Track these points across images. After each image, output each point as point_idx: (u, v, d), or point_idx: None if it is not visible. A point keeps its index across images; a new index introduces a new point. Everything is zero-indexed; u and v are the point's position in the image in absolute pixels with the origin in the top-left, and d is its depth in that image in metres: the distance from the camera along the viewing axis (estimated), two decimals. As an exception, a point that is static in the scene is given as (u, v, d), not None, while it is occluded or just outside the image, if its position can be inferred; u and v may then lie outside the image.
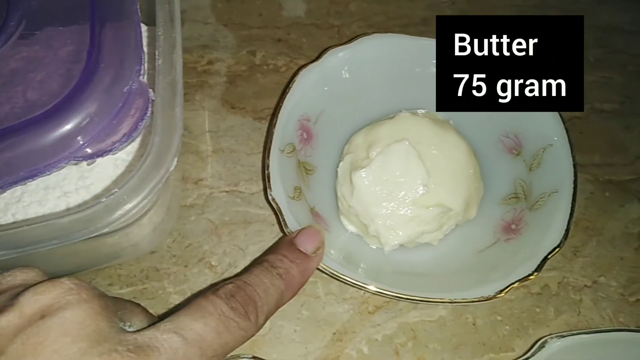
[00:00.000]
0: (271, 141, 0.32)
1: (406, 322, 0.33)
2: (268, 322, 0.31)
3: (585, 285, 0.34)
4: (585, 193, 0.37)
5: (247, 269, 0.24)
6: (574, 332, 0.28)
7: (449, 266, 0.32)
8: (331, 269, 0.28)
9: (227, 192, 0.37)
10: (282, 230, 0.30)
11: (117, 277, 0.34)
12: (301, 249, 0.27)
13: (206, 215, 0.36)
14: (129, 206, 0.22)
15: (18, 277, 0.20)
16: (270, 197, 0.30)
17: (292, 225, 0.30)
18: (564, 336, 0.27)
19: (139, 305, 0.24)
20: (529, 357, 0.27)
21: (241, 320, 0.21)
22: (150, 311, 0.31)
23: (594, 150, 0.39)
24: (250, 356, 0.29)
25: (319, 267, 0.28)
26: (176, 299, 0.33)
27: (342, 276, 0.29)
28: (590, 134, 0.39)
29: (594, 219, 0.36)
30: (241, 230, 0.35)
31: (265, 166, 0.31)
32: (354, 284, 0.29)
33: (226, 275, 0.34)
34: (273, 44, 0.42)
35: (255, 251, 0.35)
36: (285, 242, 0.27)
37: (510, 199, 0.34)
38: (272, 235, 0.35)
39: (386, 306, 0.33)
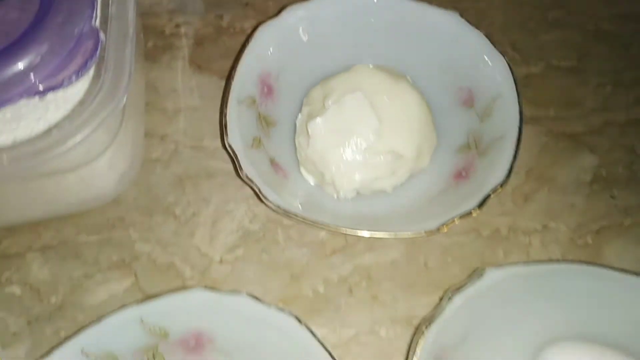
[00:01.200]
0: (229, 92, 0.33)
1: (361, 264, 0.34)
2: (229, 265, 0.32)
3: (535, 230, 0.35)
4: (539, 144, 0.38)
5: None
6: (513, 263, 0.29)
7: (402, 211, 0.33)
8: (291, 212, 0.30)
9: (191, 147, 0.38)
10: (238, 176, 0.32)
11: (84, 226, 0.35)
12: None
13: (171, 168, 0.37)
14: (78, 138, 0.24)
15: None
16: (226, 144, 0.32)
17: (248, 170, 0.31)
18: (502, 266, 0.29)
19: None
20: (467, 286, 0.28)
21: None
22: (116, 258, 0.32)
23: (550, 104, 0.40)
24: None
25: (280, 212, 0.30)
26: (141, 247, 0.35)
27: (299, 216, 0.30)
28: (546, 89, 0.40)
29: (546, 169, 0.37)
30: (205, 183, 0.37)
31: (222, 114, 0.32)
32: (311, 222, 0.30)
33: (190, 224, 0.35)
34: (240, 8, 0.43)
35: (218, 202, 0.36)
36: None
37: (462, 148, 0.36)
38: (235, 186, 0.36)
39: (342, 250, 0.35)
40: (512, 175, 0.35)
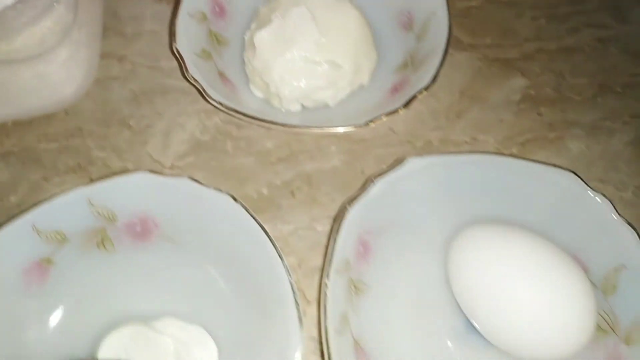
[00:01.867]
0: (180, 3, 0.35)
1: (303, 171, 0.37)
2: (179, 170, 0.35)
3: (465, 142, 0.38)
4: (474, 69, 0.41)
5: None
6: (433, 153, 0.32)
7: (341, 121, 0.36)
8: (233, 108, 0.32)
9: (148, 67, 0.40)
10: (184, 76, 0.34)
11: (44, 135, 0.38)
12: None
13: (128, 86, 0.39)
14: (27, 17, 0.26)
15: None
16: (174, 48, 0.34)
17: (194, 72, 0.33)
18: (423, 156, 0.31)
19: None
20: (390, 172, 0.31)
21: None
22: (73, 163, 0.35)
23: (486, 34, 0.42)
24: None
25: (222, 109, 0.32)
26: (97, 153, 0.37)
27: (242, 114, 0.32)
28: (484, 20, 0.43)
29: (479, 90, 0.40)
30: (159, 99, 0.39)
31: (172, 23, 0.35)
32: (253, 118, 0.32)
33: (143, 134, 0.38)
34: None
35: (171, 115, 0.38)
36: None
37: (400, 67, 0.38)
38: (187, 102, 0.39)
39: (287, 159, 0.37)
40: (447, 94, 0.38)
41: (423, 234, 0.33)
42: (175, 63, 0.40)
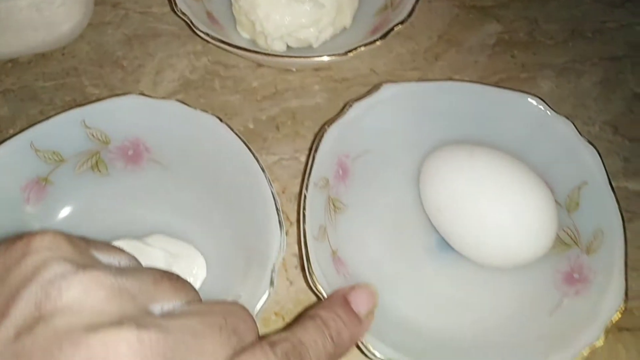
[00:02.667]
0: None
1: (288, 107, 0.39)
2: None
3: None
4: (452, 15, 0.43)
5: (298, 320, 0.22)
6: (407, 80, 0.34)
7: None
8: (222, 39, 0.34)
9: (140, 12, 0.42)
10: (174, 11, 0.36)
11: (41, 74, 0.40)
12: (355, 310, 0.24)
13: (121, 30, 0.41)
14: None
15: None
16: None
17: (183, 7, 0.35)
18: (398, 82, 0.33)
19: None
20: (366, 96, 0.33)
21: None
22: (69, 99, 0.37)
23: (464, -16, 0.44)
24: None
25: (210, 40, 0.34)
26: (91, 90, 0.39)
27: (230, 44, 0.34)
28: (462, -28, 0.45)
29: (456, 34, 0.42)
30: (151, 41, 0.41)
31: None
32: (243, 49, 0.34)
33: (136, 74, 0.40)
34: None
35: (162, 56, 0.40)
36: (340, 299, 0.24)
37: (381, 9, 0.40)
38: (178, 45, 0.41)
39: (272, 96, 0.39)
40: (425, 38, 0.40)
41: (398, 158, 0.35)
42: (166, 9, 0.42)
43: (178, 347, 0.15)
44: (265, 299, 0.26)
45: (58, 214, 0.33)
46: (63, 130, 0.31)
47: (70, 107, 0.36)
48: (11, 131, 0.37)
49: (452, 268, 0.33)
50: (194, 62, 0.40)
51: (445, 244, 0.33)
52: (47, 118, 0.31)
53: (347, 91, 0.39)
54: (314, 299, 0.32)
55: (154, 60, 0.40)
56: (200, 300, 0.20)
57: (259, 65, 0.40)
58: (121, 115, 0.32)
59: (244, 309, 0.19)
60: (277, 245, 0.27)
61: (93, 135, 0.32)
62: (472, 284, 0.32)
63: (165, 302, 0.17)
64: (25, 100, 0.39)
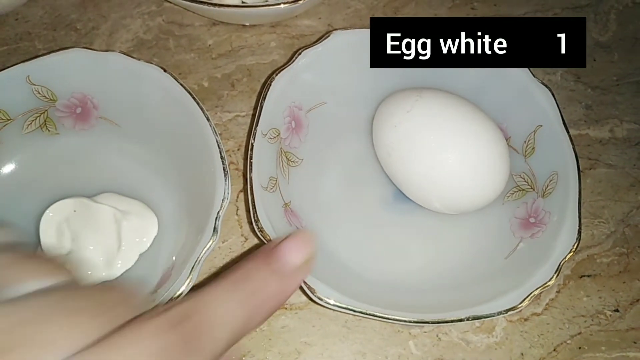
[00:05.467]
0: None
1: (243, 64, 0.38)
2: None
3: (401, 34, 0.39)
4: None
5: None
6: (358, 28, 0.33)
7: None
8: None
9: (95, -25, 0.41)
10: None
11: (-6, 39, 0.39)
12: (286, 259, 0.19)
13: (75, -8, 0.41)
14: None
15: None
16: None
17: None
18: (347, 30, 0.33)
19: None
20: (315, 44, 0.32)
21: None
22: (21, 66, 0.36)
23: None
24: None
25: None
26: (44, 52, 0.38)
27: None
28: None
29: (417, -13, 0.41)
30: (105, 3, 0.40)
31: None
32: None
33: (89, 36, 0.39)
34: None
35: (116, 18, 0.40)
36: (267, 248, 0.19)
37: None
38: (132, 5, 0.40)
39: (227, 54, 0.39)
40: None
41: (353, 110, 0.34)
42: (120, -28, 0.41)
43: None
44: (209, 247, 0.26)
45: (7, 175, 0.32)
46: (7, 87, 0.31)
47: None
48: (-38, 96, 0.37)
49: (408, 218, 0.32)
50: (148, 22, 0.40)
51: (401, 195, 0.33)
52: None
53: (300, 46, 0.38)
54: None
55: (108, 22, 0.40)
56: (75, 284, 0.17)
57: (214, 23, 0.40)
58: (65, 70, 0.31)
59: (124, 289, 0.16)
60: (222, 193, 0.27)
61: (39, 92, 0.32)
62: (427, 232, 0.32)
63: (25, 283, 0.15)
64: (-23, 65, 0.38)
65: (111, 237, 0.30)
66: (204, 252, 0.26)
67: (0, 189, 0.32)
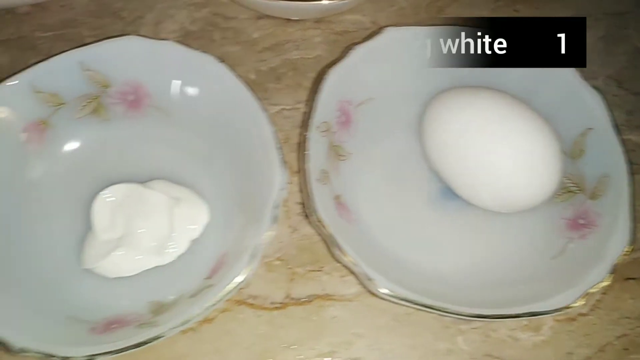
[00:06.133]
0: None
1: (289, 58, 0.38)
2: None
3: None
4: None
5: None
6: (409, 24, 0.33)
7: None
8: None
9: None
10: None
11: (40, 25, 0.39)
12: None
13: (121, -16, 0.41)
14: None
15: None
16: None
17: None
18: (400, 27, 0.33)
19: None
20: (368, 40, 0.32)
21: None
22: (76, 51, 0.36)
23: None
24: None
25: None
26: (90, 39, 0.38)
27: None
28: None
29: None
30: (151, -7, 0.41)
31: None
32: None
33: (135, 24, 0.39)
34: None
35: (162, 7, 0.40)
36: None
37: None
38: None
39: (273, 47, 0.39)
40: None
41: (401, 106, 0.34)
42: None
43: None
44: (269, 236, 0.26)
45: (58, 158, 0.32)
46: (62, 71, 0.31)
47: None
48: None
49: (456, 215, 0.33)
50: (194, 13, 0.40)
51: (448, 193, 0.33)
52: (46, 59, 0.31)
53: (349, 44, 0.39)
54: (316, 245, 0.32)
55: (153, 12, 0.40)
56: None
57: (259, 17, 0.40)
58: (120, 57, 0.31)
59: None
60: (279, 182, 0.27)
61: (92, 78, 0.32)
62: (475, 230, 0.32)
63: None
64: (24, 50, 0.38)
65: (163, 223, 0.30)
66: (263, 240, 0.26)
67: (51, 171, 0.32)
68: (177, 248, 0.30)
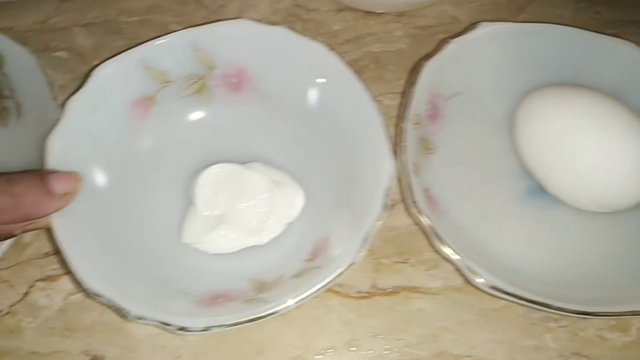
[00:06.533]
0: None
1: (370, 51, 0.39)
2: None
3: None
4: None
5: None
6: (504, 20, 0.33)
7: None
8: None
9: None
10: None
11: (124, 9, 0.40)
12: (48, 186, 0.25)
13: (203, -30, 0.41)
14: None
15: None
16: None
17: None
18: (495, 22, 0.33)
19: None
20: (463, 34, 0.32)
21: None
22: (153, 34, 0.36)
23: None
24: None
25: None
26: (173, 27, 0.39)
27: None
28: None
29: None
30: (234, -18, 0.41)
31: None
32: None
33: (218, 13, 0.40)
34: None
35: (245, -5, 0.40)
36: (36, 172, 0.26)
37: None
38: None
39: (354, 40, 0.39)
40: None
41: (489, 102, 0.34)
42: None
43: None
44: (379, 222, 0.26)
45: (161, 134, 0.33)
46: (173, 49, 0.31)
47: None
48: (96, 62, 0.37)
49: (544, 213, 0.32)
50: (275, 4, 0.40)
51: (535, 190, 0.33)
52: (159, 37, 0.31)
53: (430, 38, 0.39)
54: (401, 237, 0.32)
55: (235, 1, 0.40)
56: None
57: (340, 9, 0.40)
58: (230, 39, 0.31)
59: None
60: (389, 171, 0.27)
61: (200, 59, 0.32)
62: (566, 228, 0.32)
63: None
64: (109, 33, 0.39)
65: (262, 205, 0.30)
66: (374, 226, 0.26)
67: (154, 147, 0.32)
68: (274, 229, 0.30)
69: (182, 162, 0.32)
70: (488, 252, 0.30)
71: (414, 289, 0.31)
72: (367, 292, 0.31)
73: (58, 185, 0.26)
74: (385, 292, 0.31)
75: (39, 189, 0.25)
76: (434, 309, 0.31)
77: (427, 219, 0.27)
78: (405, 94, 0.31)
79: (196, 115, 0.33)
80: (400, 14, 0.40)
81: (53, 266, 0.32)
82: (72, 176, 0.27)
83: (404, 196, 0.29)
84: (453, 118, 0.34)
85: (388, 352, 0.30)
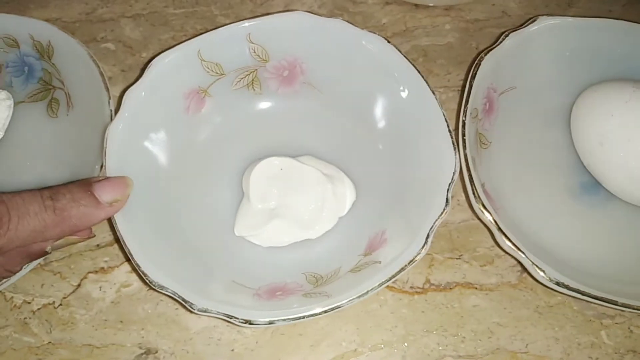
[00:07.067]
0: None
1: (419, 45, 0.38)
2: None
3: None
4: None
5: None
6: (564, 15, 0.33)
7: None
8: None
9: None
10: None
11: (171, 1, 0.40)
12: (95, 195, 0.24)
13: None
14: None
15: None
16: None
17: None
18: (554, 16, 0.32)
19: None
20: (522, 27, 0.32)
21: None
22: (200, 27, 0.36)
23: None
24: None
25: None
26: (221, 20, 0.39)
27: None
28: None
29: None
30: (280, -24, 0.41)
31: None
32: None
33: (265, 6, 0.39)
34: None
35: (293, -6, 0.40)
36: (81, 182, 0.25)
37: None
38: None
39: (402, 34, 0.39)
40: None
41: (544, 96, 0.34)
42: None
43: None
44: (443, 216, 0.26)
45: (214, 127, 0.33)
46: (228, 42, 0.31)
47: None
48: (144, 54, 0.38)
49: (600, 209, 0.32)
50: (323, -4, 0.40)
51: (589, 186, 0.32)
52: (215, 28, 0.31)
53: (479, 32, 0.38)
54: (453, 232, 0.32)
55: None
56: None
57: (387, 2, 0.40)
58: (284, 31, 0.31)
59: None
60: (452, 165, 0.27)
61: (254, 51, 0.32)
62: (623, 225, 0.31)
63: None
64: (156, 25, 0.39)
65: (315, 198, 0.30)
66: (438, 220, 0.26)
67: (206, 138, 0.32)
68: (326, 223, 0.30)
69: (231, 155, 0.32)
70: (544, 247, 0.30)
71: (469, 285, 0.31)
72: (420, 288, 0.31)
73: (105, 194, 0.25)
74: (439, 288, 0.31)
75: (84, 200, 0.24)
76: (488, 305, 0.31)
77: (490, 214, 0.27)
78: (465, 87, 0.30)
79: (248, 107, 0.33)
80: (449, 8, 0.39)
81: (105, 258, 0.32)
82: (120, 182, 0.26)
83: (464, 191, 0.29)
84: (505, 112, 0.33)
85: (443, 348, 0.30)
